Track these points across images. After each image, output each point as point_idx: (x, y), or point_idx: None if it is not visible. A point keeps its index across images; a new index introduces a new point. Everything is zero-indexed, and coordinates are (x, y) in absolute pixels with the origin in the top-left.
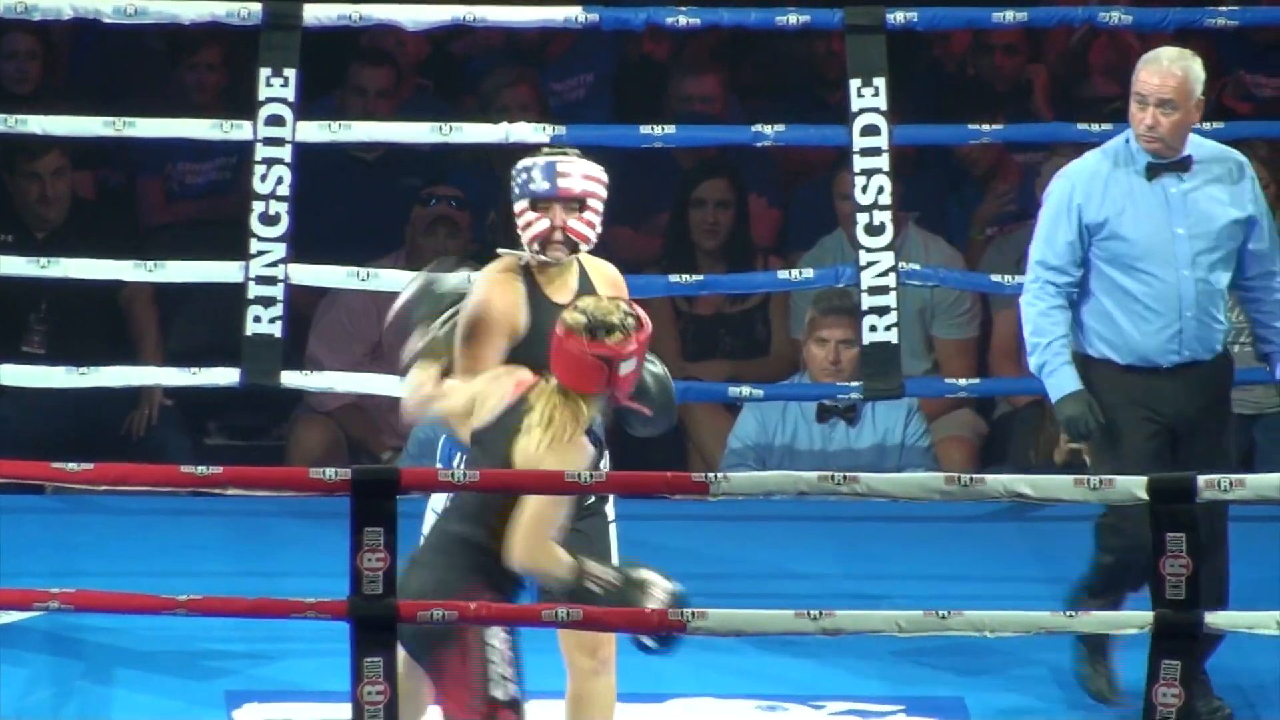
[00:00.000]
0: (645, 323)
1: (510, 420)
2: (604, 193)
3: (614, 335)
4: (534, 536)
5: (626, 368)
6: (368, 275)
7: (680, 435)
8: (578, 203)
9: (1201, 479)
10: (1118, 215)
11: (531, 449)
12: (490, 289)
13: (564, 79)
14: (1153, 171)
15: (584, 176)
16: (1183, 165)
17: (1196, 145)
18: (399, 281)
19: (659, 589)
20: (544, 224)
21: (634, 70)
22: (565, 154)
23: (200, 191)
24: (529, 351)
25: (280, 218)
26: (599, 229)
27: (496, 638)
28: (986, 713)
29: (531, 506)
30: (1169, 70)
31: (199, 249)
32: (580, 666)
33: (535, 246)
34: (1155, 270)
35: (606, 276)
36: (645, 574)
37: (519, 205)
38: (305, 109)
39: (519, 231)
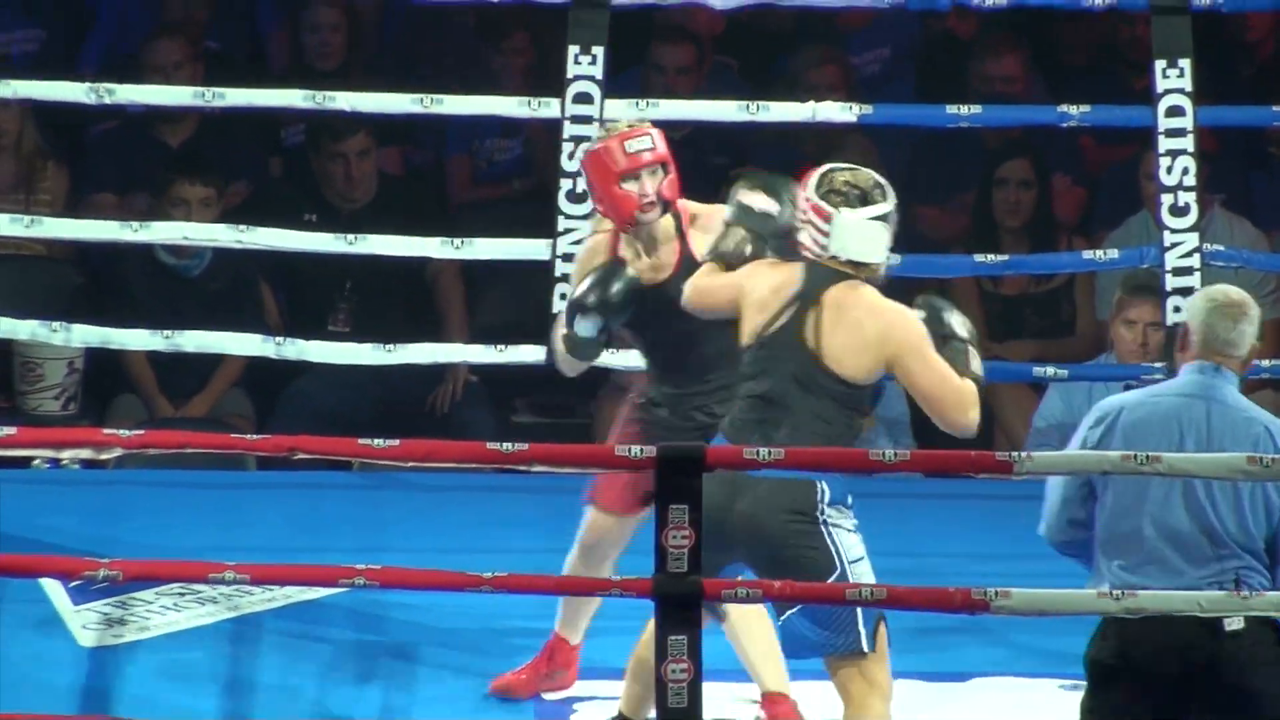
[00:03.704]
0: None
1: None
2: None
3: None
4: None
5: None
6: None
7: (985, 414)
8: None
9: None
10: None
11: None
12: None
13: (860, 53)
14: None
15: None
16: None
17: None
18: None
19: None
20: None
21: (936, 47)
22: None
23: (508, 168)
24: None
25: None
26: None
27: None
28: None
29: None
30: None
31: (506, 226)
32: None
33: None
34: None
35: None
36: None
37: None
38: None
39: None
